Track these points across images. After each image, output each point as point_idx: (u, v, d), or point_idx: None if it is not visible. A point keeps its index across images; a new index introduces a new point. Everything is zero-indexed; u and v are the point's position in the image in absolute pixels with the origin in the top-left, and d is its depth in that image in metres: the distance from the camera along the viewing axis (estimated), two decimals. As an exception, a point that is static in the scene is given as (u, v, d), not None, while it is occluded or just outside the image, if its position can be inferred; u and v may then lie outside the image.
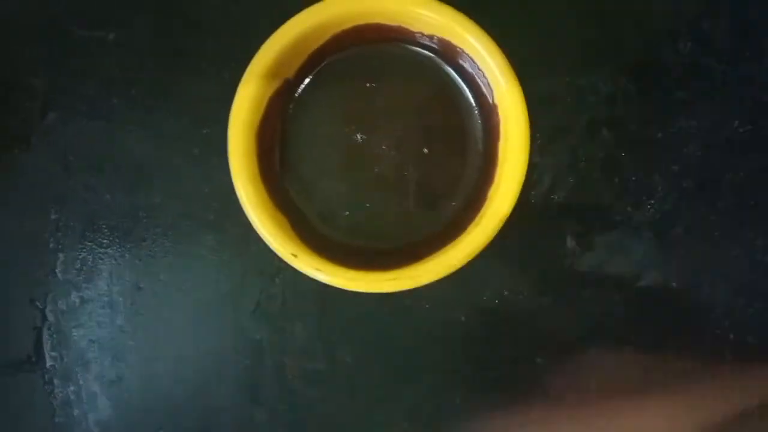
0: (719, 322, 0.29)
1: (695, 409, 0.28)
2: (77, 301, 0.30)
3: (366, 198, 0.27)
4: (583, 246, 0.29)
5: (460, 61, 0.26)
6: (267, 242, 0.24)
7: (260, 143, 0.25)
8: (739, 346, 0.29)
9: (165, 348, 0.30)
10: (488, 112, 0.26)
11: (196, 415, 0.30)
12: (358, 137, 0.27)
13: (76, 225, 0.30)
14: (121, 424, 0.30)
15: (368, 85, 0.27)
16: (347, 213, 0.27)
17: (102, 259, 0.30)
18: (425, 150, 0.27)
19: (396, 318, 0.30)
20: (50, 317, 0.30)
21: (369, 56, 0.26)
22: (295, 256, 0.24)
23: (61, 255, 0.30)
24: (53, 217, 0.30)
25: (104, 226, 0.30)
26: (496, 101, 0.25)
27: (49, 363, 0.30)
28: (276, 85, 0.25)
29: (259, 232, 0.24)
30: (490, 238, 0.24)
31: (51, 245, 0.30)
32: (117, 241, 0.30)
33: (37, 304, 0.30)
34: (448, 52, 0.26)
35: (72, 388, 0.30)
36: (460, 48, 0.25)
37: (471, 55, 0.24)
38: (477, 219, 0.25)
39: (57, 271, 0.30)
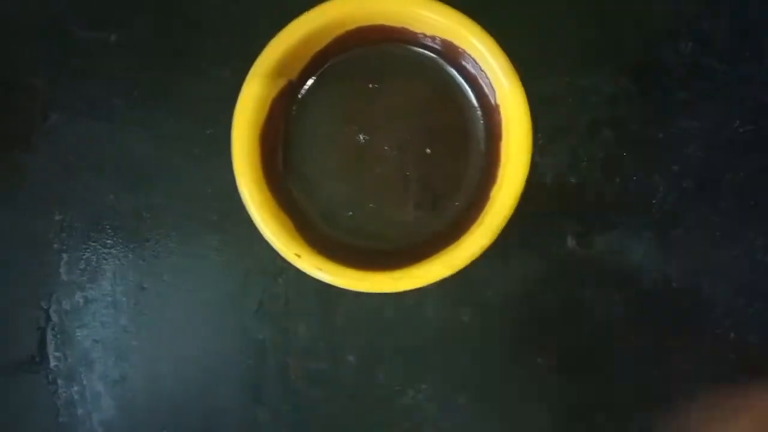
0: (719, 322, 0.29)
1: None
2: (81, 301, 0.30)
3: (369, 198, 0.27)
4: (584, 246, 0.29)
5: (463, 62, 0.26)
6: (270, 243, 0.25)
7: (264, 144, 0.25)
8: (739, 345, 0.29)
9: (168, 348, 0.30)
10: (490, 112, 0.26)
11: (200, 415, 0.30)
12: (361, 138, 0.27)
13: (80, 226, 0.30)
14: (125, 424, 0.30)
15: (371, 85, 0.27)
16: (350, 213, 0.27)
17: (106, 259, 0.30)
18: (428, 150, 0.27)
19: (399, 318, 0.30)
20: (54, 317, 0.30)
21: (372, 57, 0.27)
22: (299, 256, 0.24)
23: (65, 255, 0.30)
24: (57, 217, 0.30)
25: (108, 227, 0.30)
26: (499, 102, 0.25)
27: (53, 363, 0.30)
28: (279, 86, 0.25)
29: (262, 233, 0.25)
30: (493, 239, 0.24)
31: (55, 246, 0.30)
32: (121, 241, 0.30)
33: (41, 304, 0.30)
34: (451, 52, 0.26)
35: (76, 388, 0.30)
36: (462, 49, 0.25)
37: (473, 55, 0.25)
38: (479, 219, 0.25)
39: (61, 271, 0.30)
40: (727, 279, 0.29)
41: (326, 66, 0.27)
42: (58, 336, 0.30)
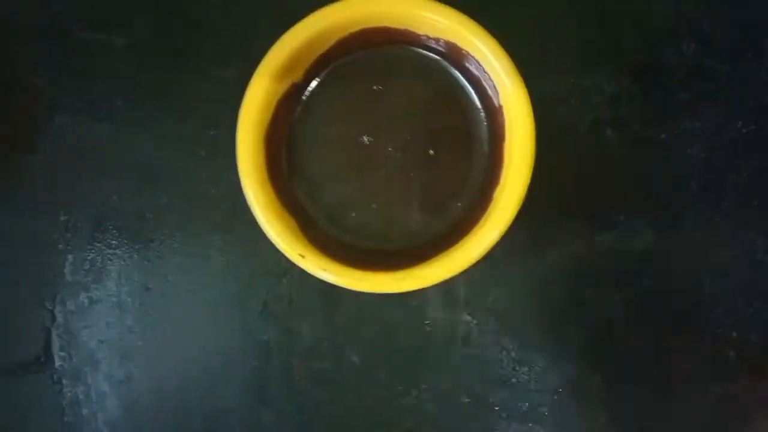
0: (720, 322, 0.29)
1: None
2: (86, 301, 0.30)
3: (372, 199, 0.27)
4: (586, 246, 0.29)
5: (466, 64, 0.26)
6: (275, 243, 0.25)
7: (268, 145, 0.25)
8: (740, 345, 0.29)
9: (173, 348, 0.30)
10: (494, 113, 0.26)
11: (204, 415, 0.30)
12: (365, 139, 0.27)
13: (85, 226, 0.30)
14: (130, 424, 0.31)
15: (374, 87, 0.27)
16: (354, 214, 0.27)
17: (110, 260, 0.30)
18: (431, 152, 0.27)
19: (402, 318, 0.30)
20: (59, 318, 0.30)
21: (375, 59, 0.27)
22: (303, 256, 0.25)
23: (69, 256, 0.30)
24: (62, 218, 0.30)
25: (112, 228, 0.30)
26: (502, 103, 0.25)
27: (58, 363, 0.30)
28: (284, 87, 0.26)
29: (267, 234, 0.25)
30: (496, 240, 0.24)
31: (59, 246, 0.30)
32: (125, 242, 0.30)
33: (46, 304, 0.30)
34: (454, 54, 0.26)
35: (81, 387, 0.30)
36: (465, 50, 0.25)
37: (477, 57, 0.25)
38: (483, 220, 0.25)
39: (65, 272, 0.30)
40: (728, 279, 0.29)
41: (330, 68, 0.27)
42: (63, 336, 0.30)
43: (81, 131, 0.30)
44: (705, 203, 0.29)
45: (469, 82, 0.27)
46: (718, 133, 0.29)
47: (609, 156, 0.29)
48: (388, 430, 0.30)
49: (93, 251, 0.30)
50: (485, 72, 0.25)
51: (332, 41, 0.26)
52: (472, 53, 0.25)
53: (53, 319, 0.30)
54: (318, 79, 0.27)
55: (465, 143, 0.27)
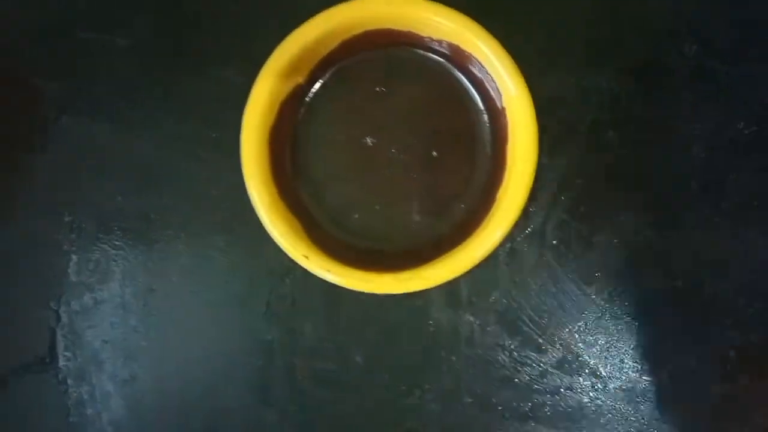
0: (721, 322, 0.29)
1: None
2: (90, 302, 0.30)
3: (376, 200, 0.27)
4: (588, 247, 0.29)
5: (469, 66, 0.26)
6: (279, 244, 0.25)
7: (272, 146, 0.25)
8: (740, 345, 0.29)
9: (177, 348, 0.31)
10: (497, 115, 0.26)
11: (207, 415, 0.30)
12: (368, 141, 0.27)
13: (89, 227, 0.30)
14: (134, 424, 0.31)
15: (378, 89, 0.27)
16: (357, 215, 0.27)
17: (115, 260, 0.30)
18: (434, 153, 0.27)
19: (404, 319, 0.30)
20: (64, 318, 0.31)
21: (379, 61, 0.27)
22: (307, 257, 0.25)
23: (74, 257, 0.30)
24: (66, 219, 0.30)
25: (116, 228, 0.30)
26: (505, 105, 0.25)
27: (63, 363, 0.31)
28: (288, 88, 0.26)
29: (271, 234, 0.25)
30: (500, 241, 0.24)
31: (64, 247, 0.30)
32: (129, 242, 0.30)
33: (51, 305, 0.31)
34: (457, 56, 0.26)
35: (86, 387, 0.31)
36: (468, 53, 0.25)
37: (480, 59, 0.25)
38: (485, 221, 0.25)
39: (70, 272, 0.30)
40: (729, 279, 0.29)
41: (334, 69, 0.27)
42: (68, 336, 0.31)
43: (86, 132, 0.30)
44: (705, 203, 0.29)
45: (472, 84, 0.27)
46: (719, 134, 0.29)
47: (611, 157, 0.29)
48: (391, 430, 0.30)
49: (97, 252, 0.30)
50: (488, 74, 0.25)
51: (336, 43, 0.26)
52: (475, 55, 0.25)
53: (58, 319, 0.31)
54: (322, 81, 0.27)
55: (468, 145, 0.27)
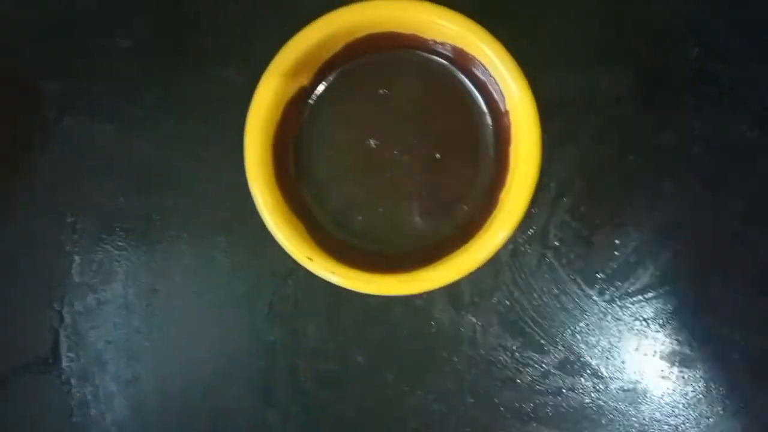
0: (724, 322, 0.30)
1: None
2: (93, 303, 0.31)
3: (379, 202, 0.27)
4: (590, 248, 0.30)
5: (473, 68, 0.26)
6: (283, 246, 0.25)
7: (276, 148, 0.25)
8: (743, 346, 0.29)
9: (180, 349, 0.31)
10: (500, 117, 0.26)
11: (210, 416, 0.31)
12: (372, 143, 0.27)
13: (92, 228, 0.30)
14: (137, 424, 0.31)
15: (381, 91, 0.27)
16: (360, 217, 0.27)
17: (118, 261, 0.30)
18: (437, 155, 0.27)
19: (407, 319, 0.30)
20: (67, 319, 0.31)
21: (382, 63, 0.27)
22: (311, 259, 0.25)
23: (77, 257, 0.30)
24: (69, 220, 0.30)
25: (119, 229, 0.30)
26: (508, 108, 0.25)
27: (66, 364, 0.31)
28: (292, 90, 0.26)
29: (275, 236, 0.25)
30: (503, 242, 0.24)
31: (67, 248, 0.30)
32: (132, 243, 0.30)
33: (54, 306, 0.31)
34: (461, 59, 0.26)
35: (89, 388, 0.31)
36: (472, 55, 0.25)
37: (483, 62, 0.25)
38: (488, 223, 0.25)
39: (73, 273, 0.30)
40: (735, 280, 0.29)
41: (337, 72, 0.27)
42: (71, 337, 0.31)
43: (88, 133, 0.30)
44: (708, 205, 0.29)
45: (476, 87, 0.27)
46: (723, 136, 0.29)
47: (612, 159, 0.29)
48: (393, 431, 0.30)
49: (100, 252, 0.30)
50: (491, 76, 0.25)
51: (340, 45, 0.26)
52: (479, 58, 0.25)
53: (61, 320, 0.31)
54: (325, 83, 0.27)
55: (471, 147, 0.27)
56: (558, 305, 0.30)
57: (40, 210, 0.31)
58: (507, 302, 0.30)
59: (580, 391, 0.30)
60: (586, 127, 0.29)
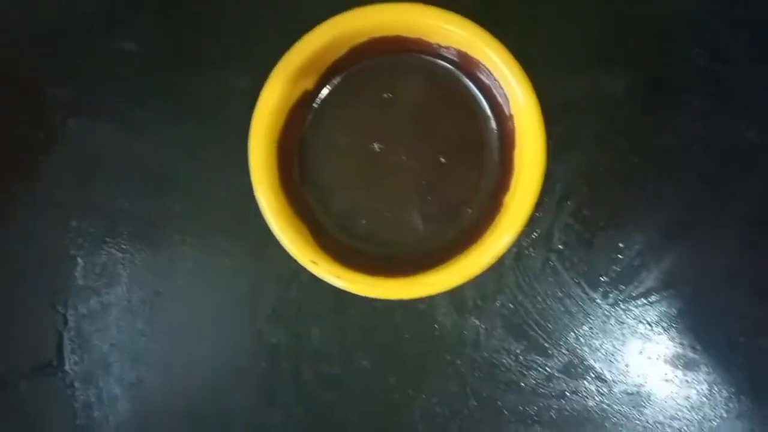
0: (730, 326, 0.30)
1: None
2: (97, 305, 0.31)
3: (383, 206, 0.27)
4: (594, 251, 0.30)
5: (477, 72, 0.26)
6: (287, 250, 0.25)
7: (280, 152, 0.25)
8: (749, 349, 0.29)
9: (183, 351, 0.31)
10: (504, 121, 0.26)
11: (214, 418, 0.31)
12: (376, 147, 0.27)
13: (96, 231, 0.30)
14: (141, 426, 0.31)
15: (385, 95, 0.27)
16: (364, 221, 0.27)
17: (122, 264, 0.31)
18: (442, 159, 0.27)
19: (411, 322, 0.30)
20: (71, 322, 0.31)
21: (386, 67, 0.27)
22: (315, 263, 0.25)
23: (80, 260, 0.30)
24: (74, 223, 0.30)
25: (124, 232, 0.30)
26: (513, 112, 0.25)
27: (69, 366, 0.31)
28: (296, 94, 0.26)
29: (279, 240, 0.25)
30: (507, 246, 0.24)
31: (72, 251, 0.30)
32: (136, 246, 0.30)
33: (59, 308, 0.31)
34: (465, 63, 0.26)
35: (93, 390, 0.31)
36: (477, 59, 0.25)
37: (488, 66, 0.25)
38: (493, 227, 0.25)
39: (78, 276, 0.30)
40: (739, 284, 0.29)
41: (342, 76, 0.27)
42: (75, 340, 0.31)
43: (92, 135, 0.30)
44: (713, 207, 0.29)
45: (480, 91, 0.27)
46: (726, 139, 0.29)
47: (616, 161, 0.29)
48: (398, 434, 0.30)
49: (104, 255, 0.31)
50: (496, 80, 0.25)
51: (345, 49, 0.26)
52: (484, 62, 0.25)
53: (65, 322, 0.31)
54: (330, 87, 0.27)
55: (475, 151, 0.27)
56: (562, 308, 0.30)
57: (43, 212, 0.31)
58: (510, 305, 0.30)
59: (584, 394, 0.30)
60: (590, 130, 0.29)
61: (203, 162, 0.30)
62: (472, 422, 0.30)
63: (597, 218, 0.30)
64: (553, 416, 0.30)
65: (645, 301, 0.30)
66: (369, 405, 0.30)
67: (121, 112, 0.30)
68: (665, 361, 0.30)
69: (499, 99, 0.26)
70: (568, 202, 0.29)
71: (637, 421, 0.30)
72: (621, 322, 0.30)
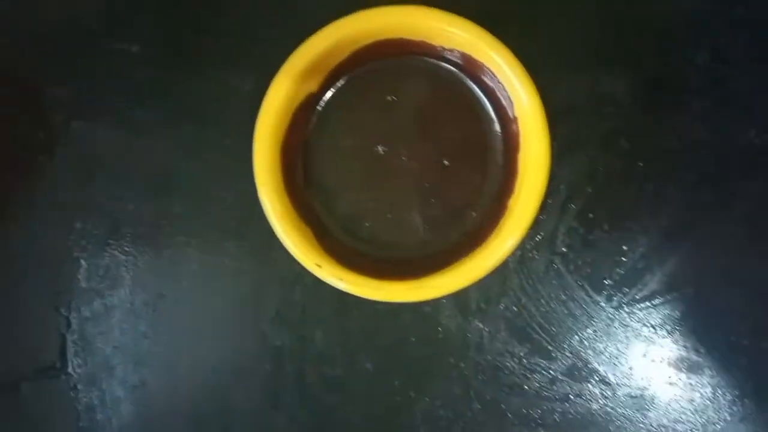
0: (733, 329, 0.29)
1: None
2: (101, 308, 0.31)
3: (387, 209, 0.27)
4: (598, 254, 0.29)
5: (481, 75, 0.26)
6: (291, 252, 0.25)
7: (284, 155, 0.25)
8: (753, 352, 0.29)
9: (187, 354, 0.31)
10: (508, 124, 0.26)
11: (217, 421, 0.31)
12: (380, 149, 0.27)
13: (100, 233, 0.30)
14: (144, 429, 0.31)
15: (389, 98, 0.27)
16: (368, 224, 0.27)
17: (125, 266, 0.30)
18: (445, 162, 0.27)
19: (414, 325, 0.30)
20: (74, 324, 0.31)
21: (390, 69, 0.27)
22: (319, 266, 0.25)
23: (84, 263, 0.30)
24: (77, 225, 0.30)
25: (127, 235, 0.30)
26: (517, 114, 0.25)
27: (73, 369, 0.31)
28: (300, 97, 0.26)
29: (283, 243, 0.25)
30: (512, 249, 0.24)
31: (75, 253, 0.30)
32: (139, 248, 0.30)
33: (62, 311, 0.31)
34: (469, 65, 0.26)
35: (96, 393, 0.31)
36: (481, 62, 0.25)
37: (492, 69, 0.25)
38: (497, 230, 0.25)
39: (81, 278, 0.30)
40: (742, 286, 0.29)
41: (346, 78, 0.27)
42: (78, 342, 0.31)
43: (96, 138, 0.30)
44: (717, 211, 0.29)
45: (484, 93, 0.27)
46: (731, 142, 0.29)
47: (619, 164, 0.29)
48: (401, 436, 0.30)
49: (107, 258, 0.30)
50: (500, 83, 0.25)
51: (349, 51, 0.26)
52: (488, 65, 0.25)
53: (68, 325, 0.31)
54: (334, 89, 0.27)
55: (479, 154, 0.27)
56: (565, 311, 0.30)
57: (45, 214, 0.31)
58: (514, 308, 0.30)
59: (588, 397, 0.30)
60: (593, 132, 0.29)
61: (204, 162, 0.30)
62: (475, 425, 0.30)
63: (601, 221, 0.29)
64: (557, 419, 0.30)
65: (649, 304, 0.30)
66: (372, 407, 0.30)
67: (122, 112, 0.30)
68: (669, 364, 0.30)
69: (503, 101, 0.26)
70: (572, 205, 0.29)
71: (641, 425, 0.30)
72: (625, 325, 0.30)
